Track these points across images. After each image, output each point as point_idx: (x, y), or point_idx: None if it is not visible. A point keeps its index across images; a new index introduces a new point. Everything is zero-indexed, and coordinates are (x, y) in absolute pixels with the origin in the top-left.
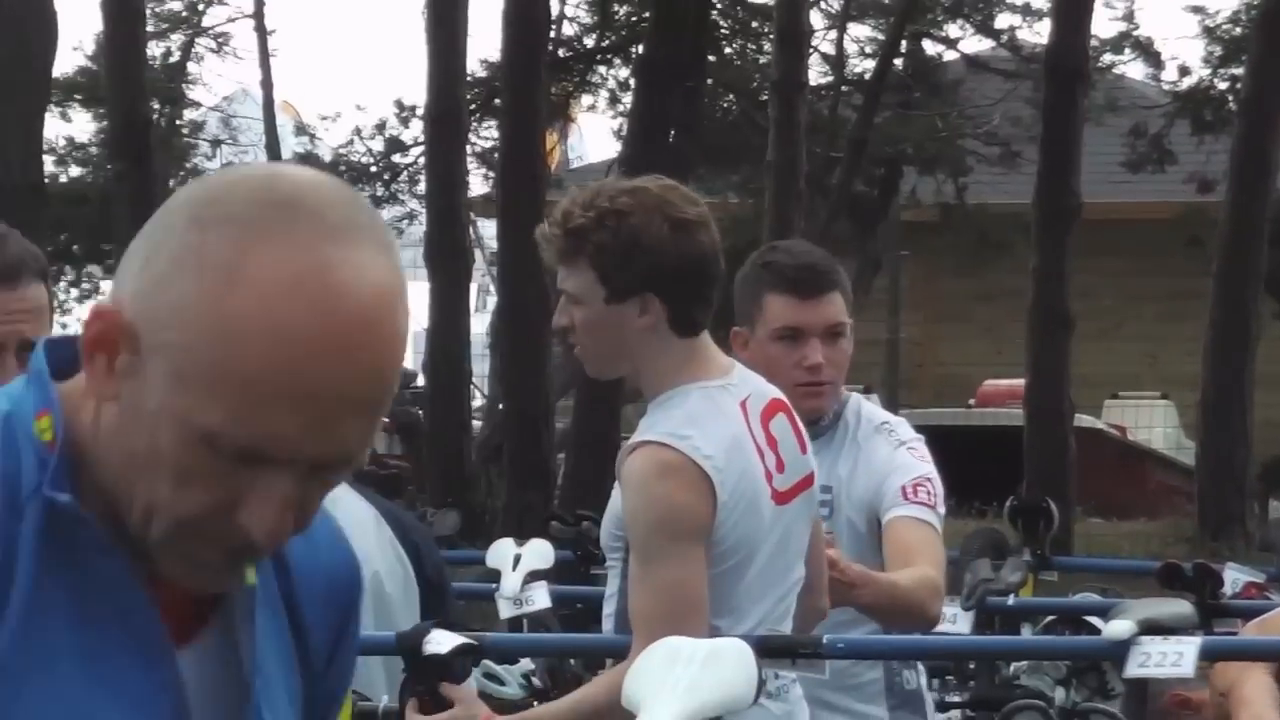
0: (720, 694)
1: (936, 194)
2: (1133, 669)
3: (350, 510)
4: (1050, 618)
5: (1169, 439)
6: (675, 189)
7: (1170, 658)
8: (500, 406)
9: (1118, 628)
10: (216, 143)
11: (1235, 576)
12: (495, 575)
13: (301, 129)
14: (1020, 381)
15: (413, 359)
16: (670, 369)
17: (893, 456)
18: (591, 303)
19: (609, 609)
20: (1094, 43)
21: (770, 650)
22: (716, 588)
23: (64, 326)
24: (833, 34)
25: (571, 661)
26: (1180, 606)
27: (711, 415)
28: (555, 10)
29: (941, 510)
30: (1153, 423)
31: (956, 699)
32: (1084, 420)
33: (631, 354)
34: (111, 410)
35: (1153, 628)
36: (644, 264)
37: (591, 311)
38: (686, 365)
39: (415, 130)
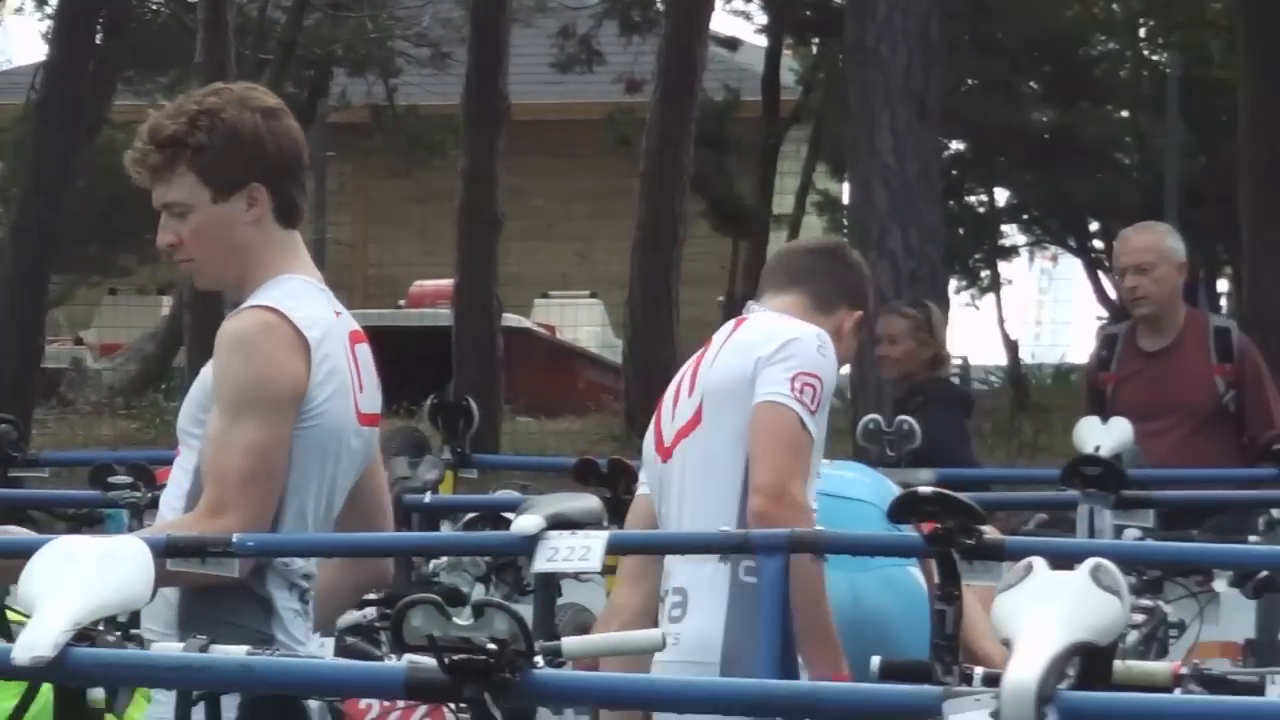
0: (116, 593)
1: (367, 96)
2: (541, 563)
3: None
4: (471, 515)
5: (597, 337)
6: (250, 85)
7: (578, 552)
8: None
9: (526, 523)
10: None
11: None
12: None
13: None
14: (450, 282)
15: None
16: (276, 258)
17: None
18: (199, 206)
19: (184, 488)
20: None
21: (178, 550)
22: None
23: None
24: None
25: None
26: (588, 501)
27: (314, 300)
28: None
29: None
30: (580, 321)
31: (373, 596)
32: (512, 320)
33: (240, 251)
34: None
35: (561, 522)
36: (245, 155)
37: (200, 216)
38: (291, 256)
39: None
